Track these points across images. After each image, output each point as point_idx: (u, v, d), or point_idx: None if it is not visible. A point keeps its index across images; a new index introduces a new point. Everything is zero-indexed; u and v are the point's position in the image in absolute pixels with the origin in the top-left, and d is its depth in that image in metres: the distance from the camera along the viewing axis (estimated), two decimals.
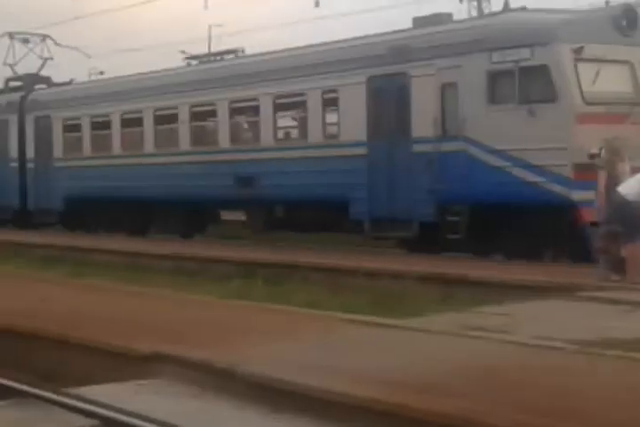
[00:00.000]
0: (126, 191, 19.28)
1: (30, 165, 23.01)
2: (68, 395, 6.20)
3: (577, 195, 12.25)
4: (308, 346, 7.14)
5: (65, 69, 29.12)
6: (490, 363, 6.41)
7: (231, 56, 19.30)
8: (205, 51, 28.79)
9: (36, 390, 6.41)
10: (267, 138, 16.56)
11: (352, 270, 12.48)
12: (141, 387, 6.61)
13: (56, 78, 26.50)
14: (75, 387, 6.55)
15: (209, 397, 6.24)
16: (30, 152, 22.99)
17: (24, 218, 23.36)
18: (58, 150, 22.00)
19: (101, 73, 34.10)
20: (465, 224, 13.42)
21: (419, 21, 14.94)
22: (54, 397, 6.21)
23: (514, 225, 13.00)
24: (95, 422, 5.66)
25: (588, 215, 12.18)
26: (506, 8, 14.60)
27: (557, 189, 12.40)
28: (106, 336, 7.70)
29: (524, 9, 13.91)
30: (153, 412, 5.62)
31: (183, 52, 23.24)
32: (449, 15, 15.47)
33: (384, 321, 8.47)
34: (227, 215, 19.26)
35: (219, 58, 19.66)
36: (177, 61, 22.65)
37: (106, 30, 60.63)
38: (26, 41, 29.62)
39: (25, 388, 6.54)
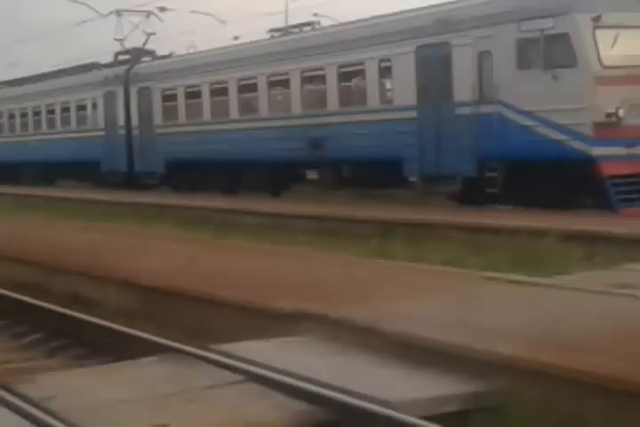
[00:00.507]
0: (217, 154, 21.36)
1: (135, 133, 25.40)
2: (214, 351, 6.25)
3: (596, 151, 13.53)
4: (450, 304, 6.94)
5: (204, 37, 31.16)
6: None
7: (309, 28, 21.07)
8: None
9: (185, 347, 6.47)
10: (332, 104, 18.27)
11: (490, 228, 12.45)
12: (285, 344, 6.59)
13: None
14: (221, 344, 6.56)
15: (352, 354, 6.13)
16: (135, 120, 25.37)
17: (132, 180, 25.91)
18: (158, 118, 24.30)
19: (236, 38, 36.00)
20: (501, 179, 14.89)
21: None
22: (202, 353, 6.25)
23: (543, 179, 14.37)
24: (241, 377, 5.67)
25: (607, 169, 13.51)
26: None
27: (578, 145, 13.68)
28: (250, 295, 7.73)
29: None
30: (297, 368, 5.63)
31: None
32: None
33: (527, 279, 8.12)
34: (310, 175, 21.14)
35: (297, 30, 21.40)
36: None
37: None
38: (138, 16, 31.93)
39: (174, 344, 6.61)
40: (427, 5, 16.56)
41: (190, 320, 8.01)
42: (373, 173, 17.70)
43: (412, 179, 16.69)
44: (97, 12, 34.39)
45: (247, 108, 20.95)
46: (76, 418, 4.96)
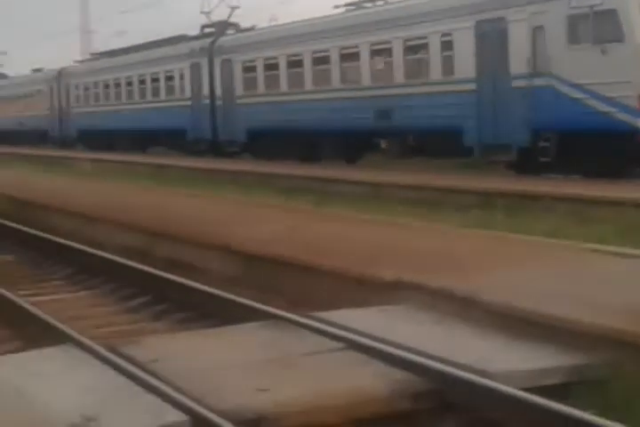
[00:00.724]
0: (293, 124, 22.56)
1: (219, 103, 26.75)
2: (315, 318, 6.26)
3: None
4: (551, 275, 6.79)
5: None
6: None
7: (381, 2, 21.91)
8: None
9: (286, 314, 6.49)
10: (398, 76, 19.19)
11: (593, 200, 12.39)
12: (385, 312, 6.55)
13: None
14: (321, 311, 6.56)
15: (450, 323, 6.08)
16: (218, 91, 26.72)
17: (216, 148, 27.33)
18: (239, 89, 25.58)
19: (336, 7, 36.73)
20: (554, 149, 15.64)
21: None
22: (302, 320, 6.26)
23: (593, 149, 15.07)
24: (341, 344, 5.65)
25: None
26: None
27: (625, 117, 14.32)
28: (350, 264, 7.72)
29: None
30: (396, 336, 5.62)
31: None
32: None
33: (633, 251, 7.87)
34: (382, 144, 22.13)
35: (370, 5, 22.25)
36: None
37: None
38: None
39: (275, 311, 6.64)
40: None
41: (291, 288, 8.02)
42: (436, 142, 18.60)
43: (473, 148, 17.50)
44: None
45: (320, 79, 21.98)
46: (178, 381, 4.99)
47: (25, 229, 12.45)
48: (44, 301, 8.49)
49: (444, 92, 17.76)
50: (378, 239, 9.11)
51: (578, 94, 15.03)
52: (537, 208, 12.36)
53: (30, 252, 11.54)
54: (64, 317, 7.36)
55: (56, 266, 10.62)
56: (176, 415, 4.51)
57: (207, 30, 30.61)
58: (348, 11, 22.32)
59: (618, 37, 14.28)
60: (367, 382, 5.00)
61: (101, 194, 16.09)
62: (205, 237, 9.89)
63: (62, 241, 11.10)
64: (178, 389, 4.81)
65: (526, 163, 16.34)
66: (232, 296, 7.42)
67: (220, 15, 31.87)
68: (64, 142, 38.49)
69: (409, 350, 5.28)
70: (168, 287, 8.34)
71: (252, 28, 28.39)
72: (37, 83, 41.75)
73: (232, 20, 31.05)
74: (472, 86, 17.15)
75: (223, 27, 29.92)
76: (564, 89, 15.24)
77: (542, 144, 15.76)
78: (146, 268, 8.93)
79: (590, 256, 7.69)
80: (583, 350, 5.14)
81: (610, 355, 4.98)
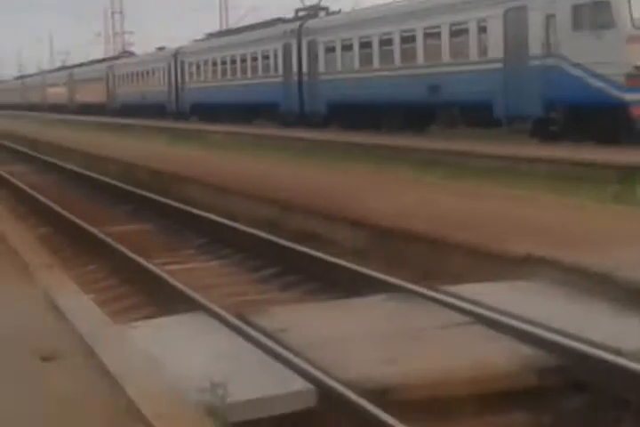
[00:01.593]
0: (364, 97, 25.71)
1: (305, 79, 30.11)
2: (443, 292, 6.06)
3: (628, 97, 16.68)
4: None
5: None
6: None
7: None
8: None
9: (413, 287, 6.30)
10: (445, 56, 22.14)
11: None
12: (515, 287, 6.32)
13: None
14: (449, 285, 6.35)
15: (583, 300, 5.80)
16: (304, 69, 30.04)
17: (303, 120, 30.63)
18: (321, 67, 28.88)
19: None
20: (561, 119, 18.31)
21: None
22: (430, 293, 6.07)
23: (593, 120, 17.68)
24: (469, 319, 5.45)
25: (638, 111, 16.67)
26: None
27: (614, 92, 16.90)
28: (482, 238, 7.44)
29: None
30: (525, 312, 5.41)
31: None
32: None
33: None
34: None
35: None
36: None
37: None
38: None
39: (402, 283, 6.44)
40: None
41: (419, 261, 7.78)
42: (473, 115, 21.41)
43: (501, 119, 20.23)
44: None
45: (385, 59, 25.02)
46: (305, 350, 4.89)
47: (162, 199, 12.86)
48: (178, 269, 8.52)
49: (479, 70, 20.53)
50: (509, 214, 9.09)
51: (579, 73, 17.57)
52: None
53: (166, 220, 11.85)
54: (196, 285, 7.25)
55: (190, 235, 10.76)
56: (302, 384, 4.44)
57: (301, 13, 33.82)
58: None
59: (610, 25, 16.79)
60: (494, 357, 4.83)
61: (234, 166, 17.24)
62: (335, 210, 9.89)
63: (196, 211, 11.28)
64: (305, 358, 4.73)
65: (540, 131, 19.03)
66: (360, 268, 7.30)
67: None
68: (179, 115, 42.18)
69: (538, 325, 5.11)
70: (297, 258, 8.24)
71: (338, 12, 31.48)
72: (158, 61, 45.76)
73: (323, 4, 34.33)
74: (500, 65, 19.85)
75: (315, 10, 33.10)
76: (569, 68, 17.81)
77: (552, 115, 18.42)
78: (275, 239, 8.91)
79: None
80: None
81: None
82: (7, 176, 18.40)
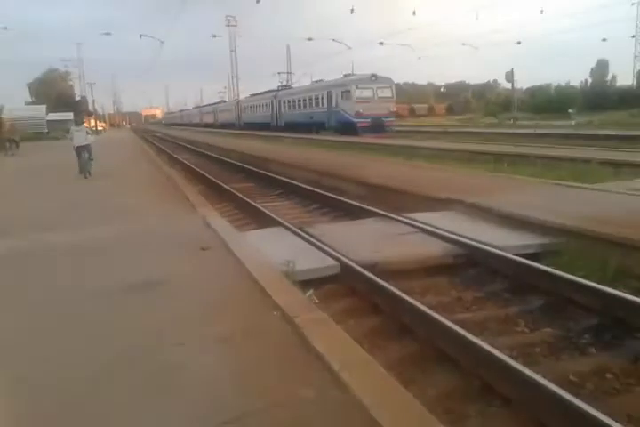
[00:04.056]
0: (294, 120, 47.30)
1: (278, 112, 55.76)
2: (405, 217, 9.22)
3: (356, 120, 38.04)
4: (530, 197, 9.74)
5: None
6: None
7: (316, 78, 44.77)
8: None
9: (389, 214, 9.52)
10: (313, 106, 46.31)
11: (557, 157, 17.30)
12: (441, 215, 9.38)
13: None
14: (409, 213, 9.59)
15: (477, 221, 8.72)
16: (276, 110, 56.28)
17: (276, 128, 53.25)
18: (283, 109, 54.95)
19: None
20: (340, 127, 41.94)
21: None
22: (398, 217, 9.15)
23: (353, 128, 39.77)
24: (418, 230, 8.29)
25: (360, 125, 37.86)
26: None
27: (352, 118, 39.47)
28: (424, 189, 11.09)
29: None
30: (446, 226, 8.27)
31: None
32: None
33: (577, 184, 11.37)
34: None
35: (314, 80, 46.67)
36: None
37: None
38: None
39: (383, 212, 9.70)
40: None
41: (392, 201, 11.34)
42: (321, 126, 44.63)
43: None
44: None
45: (300, 106, 50.94)
46: (333, 245, 7.47)
47: (259, 170, 19.49)
48: (268, 205, 12.96)
49: (321, 111, 43.95)
50: (441, 179, 12.88)
51: (343, 112, 39.79)
52: (525, 162, 17.48)
53: (261, 182, 17.98)
54: (277, 213, 11.43)
55: (273, 188, 16.32)
56: (331, 262, 6.92)
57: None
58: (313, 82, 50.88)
59: (351, 97, 39.64)
60: (430, 248, 7.38)
61: (293, 153, 24.08)
62: (349, 175, 14.70)
63: (275, 176, 17.48)
64: (333, 249, 7.29)
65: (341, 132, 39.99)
66: (361, 204, 11.09)
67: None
68: (277, 128, 55.53)
69: (453, 233, 7.80)
70: (328, 200, 12.74)
71: (290, 87, 59.92)
72: (265, 98, 60.53)
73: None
74: (326, 109, 42.85)
75: (286, 86, 60.19)
76: (341, 111, 40.18)
77: (339, 126, 41.31)
78: (317, 190, 13.90)
79: (554, 187, 11.06)
80: (549, 236, 7.55)
81: (562, 239, 7.33)
82: (183, 160, 27.44)
